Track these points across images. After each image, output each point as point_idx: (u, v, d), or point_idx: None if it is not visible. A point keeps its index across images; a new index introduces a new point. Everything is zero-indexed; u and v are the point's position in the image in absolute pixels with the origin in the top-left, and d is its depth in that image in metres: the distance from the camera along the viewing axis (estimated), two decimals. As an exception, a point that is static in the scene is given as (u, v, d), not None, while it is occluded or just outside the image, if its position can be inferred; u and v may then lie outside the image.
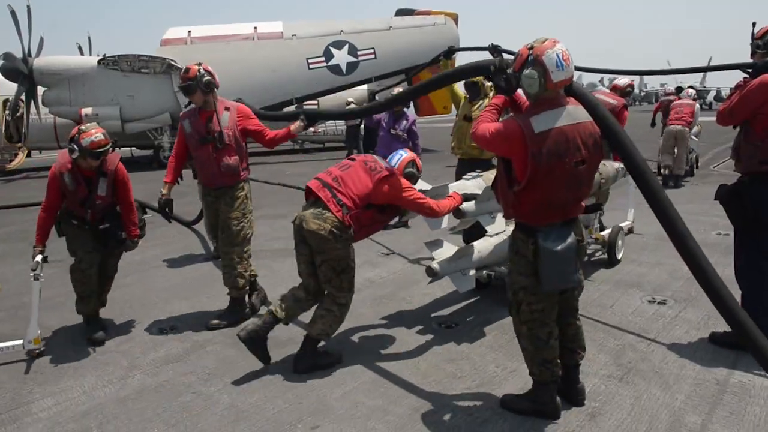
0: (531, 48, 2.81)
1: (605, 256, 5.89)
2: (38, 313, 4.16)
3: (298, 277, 3.96)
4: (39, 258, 4.17)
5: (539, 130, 2.77)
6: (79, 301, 4.53)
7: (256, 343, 3.74)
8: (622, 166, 5.45)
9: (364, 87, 21.67)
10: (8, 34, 17.99)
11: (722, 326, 4.16)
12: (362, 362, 3.90)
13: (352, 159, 4.01)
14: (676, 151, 10.64)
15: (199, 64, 4.57)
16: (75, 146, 4.14)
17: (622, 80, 6.81)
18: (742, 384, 3.43)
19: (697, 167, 12.19)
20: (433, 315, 4.69)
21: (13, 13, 17.14)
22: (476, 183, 4.46)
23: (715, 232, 6.84)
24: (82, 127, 4.21)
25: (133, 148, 21.72)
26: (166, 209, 4.68)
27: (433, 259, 4.20)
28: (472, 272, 4.37)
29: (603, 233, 5.86)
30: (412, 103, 21.76)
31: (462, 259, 4.24)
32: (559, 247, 2.86)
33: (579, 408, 3.21)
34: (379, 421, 3.17)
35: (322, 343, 3.90)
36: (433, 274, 4.10)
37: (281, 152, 20.12)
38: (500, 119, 3.06)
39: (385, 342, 4.22)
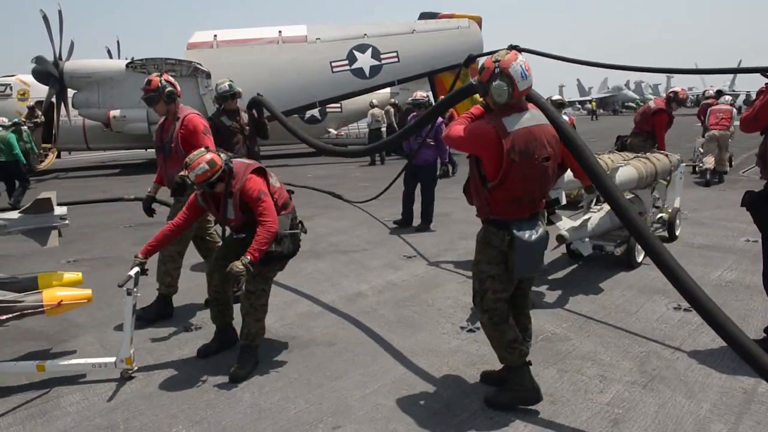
0: (496, 61, 3.03)
1: (665, 233, 6.75)
2: (132, 330, 3.84)
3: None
4: (134, 271, 3.77)
5: (511, 129, 2.99)
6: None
7: None
8: (678, 157, 6.88)
9: (387, 90, 21.72)
10: (41, 38, 18.43)
11: (750, 334, 4.08)
12: (383, 364, 3.91)
13: None
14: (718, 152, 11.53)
15: (161, 75, 4.70)
16: (188, 180, 3.81)
17: (677, 87, 7.89)
18: (771, 393, 3.36)
19: (731, 165, 12.68)
20: (454, 318, 4.69)
21: (45, 18, 17.56)
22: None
23: (743, 239, 6.72)
24: (188, 159, 3.76)
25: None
26: (149, 205, 5.02)
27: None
28: (587, 239, 5.39)
29: (664, 214, 6.77)
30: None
31: (582, 228, 5.24)
32: (533, 238, 3.11)
33: (602, 415, 3.19)
34: (400, 423, 3.18)
35: None
36: (563, 241, 5.06)
37: (304, 155, 20.27)
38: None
39: (405, 345, 4.23)
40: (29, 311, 3.62)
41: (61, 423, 3.32)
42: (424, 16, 21.76)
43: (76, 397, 3.60)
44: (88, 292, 3.87)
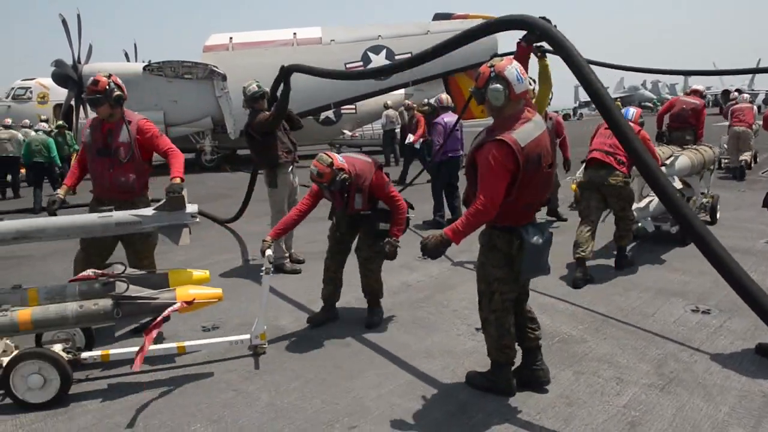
0: (492, 66, 3.09)
1: (707, 218, 7.53)
2: (266, 308, 4.18)
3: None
4: (269, 252, 4.22)
5: (524, 144, 3.02)
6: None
7: None
8: (718, 150, 8.23)
9: (402, 91, 21.72)
10: (59, 41, 18.71)
11: (770, 337, 4.05)
12: (399, 365, 3.93)
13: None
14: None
15: (109, 76, 4.48)
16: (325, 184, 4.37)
17: (700, 85, 8.15)
18: (791, 397, 3.32)
19: (755, 162, 13.21)
20: (470, 320, 4.68)
21: (64, 21, 17.82)
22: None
23: (763, 240, 6.63)
24: (320, 170, 4.28)
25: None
26: (53, 207, 4.48)
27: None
28: (650, 218, 6.26)
29: (707, 199, 7.60)
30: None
31: (646, 209, 6.23)
32: (541, 241, 3.18)
33: (619, 417, 3.17)
34: (416, 424, 3.20)
35: None
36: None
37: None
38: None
39: (421, 346, 4.24)
40: (163, 310, 3.65)
41: (81, 420, 3.38)
42: (438, 17, 21.75)
43: (95, 395, 3.66)
44: (218, 291, 3.94)
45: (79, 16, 17.98)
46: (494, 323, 3.35)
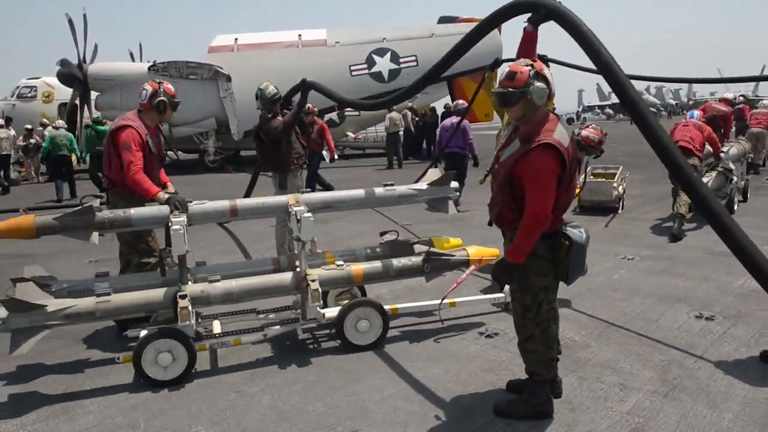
0: (529, 65, 2.99)
1: (740, 197, 9.23)
2: None
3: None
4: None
5: (566, 144, 2.96)
6: None
7: None
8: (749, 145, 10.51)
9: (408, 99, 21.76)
10: (65, 41, 18.78)
11: (775, 345, 4.03)
12: (402, 369, 3.92)
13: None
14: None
15: (160, 84, 4.71)
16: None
17: (730, 93, 8.86)
18: (796, 405, 3.30)
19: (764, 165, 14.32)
20: (474, 324, 4.67)
21: (70, 21, 17.89)
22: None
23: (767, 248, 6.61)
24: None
25: (179, 152, 22.27)
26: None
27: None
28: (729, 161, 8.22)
29: (742, 182, 9.40)
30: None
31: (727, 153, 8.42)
32: (584, 238, 3.08)
33: (622, 424, 3.16)
34: (418, 427, 3.18)
35: None
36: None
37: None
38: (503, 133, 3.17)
39: (424, 349, 4.23)
40: (457, 266, 4.55)
41: (83, 421, 3.37)
42: (443, 20, 21.79)
43: (98, 396, 3.66)
44: (496, 250, 4.55)
45: (85, 15, 18.07)
46: (540, 337, 3.14)
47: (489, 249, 4.65)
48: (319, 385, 3.71)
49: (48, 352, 4.35)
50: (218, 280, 4.04)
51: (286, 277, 4.21)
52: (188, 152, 21.14)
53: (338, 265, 4.31)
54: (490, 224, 3.34)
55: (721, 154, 8.26)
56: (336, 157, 11.86)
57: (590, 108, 72.51)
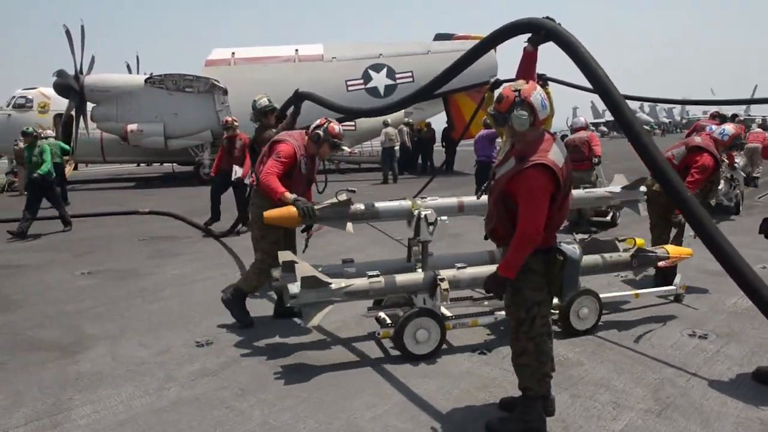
0: (517, 91, 3.02)
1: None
2: None
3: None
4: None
5: (561, 164, 3.02)
6: None
7: None
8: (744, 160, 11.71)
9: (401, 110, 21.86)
10: (62, 52, 18.80)
11: (767, 362, 4.03)
12: (394, 385, 3.89)
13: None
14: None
15: (329, 120, 4.97)
16: None
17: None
18: (789, 425, 3.30)
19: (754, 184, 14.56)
20: (466, 341, 4.66)
21: (68, 32, 17.92)
22: None
23: (759, 266, 6.63)
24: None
25: (175, 164, 22.30)
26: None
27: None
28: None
29: (740, 190, 10.37)
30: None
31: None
32: (577, 254, 3.17)
33: (615, 442, 3.14)
34: (410, 445, 3.16)
35: None
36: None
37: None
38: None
39: (416, 366, 4.21)
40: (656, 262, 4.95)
41: (71, 435, 3.33)
42: (439, 37, 21.97)
43: (87, 410, 3.61)
44: (690, 249, 5.09)
45: (83, 27, 18.09)
46: (533, 352, 3.17)
47: (684, 249, 5.17)
48: (310, 402, 3.68)
49: (37, 364, 4.30)
50: (465, 267, 4.57)
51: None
52: (183, 164, 21.11)
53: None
54: (486, 238, 3.41)
55: (735, 165, 9.48)
56: (246, 180, 8.91)
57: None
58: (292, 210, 4.50)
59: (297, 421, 3.44)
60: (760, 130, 15.24)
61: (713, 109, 13.04)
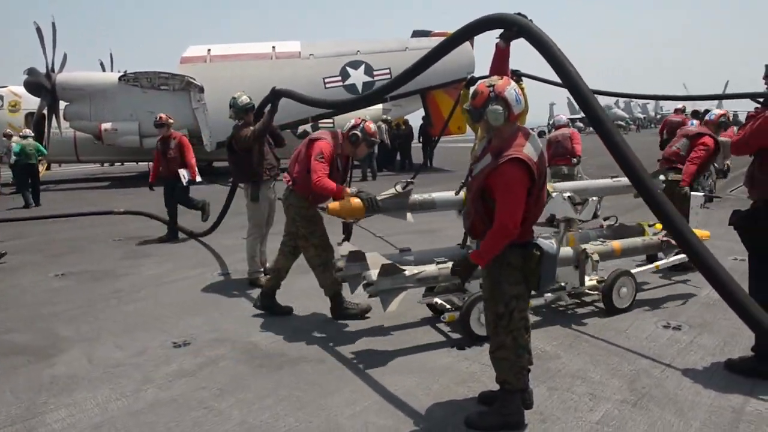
0: (491, 86, 3.06)
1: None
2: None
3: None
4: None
5: (536, 159, 3.05)
6: None
7: None
8: None
9: (380, 106, 21.84)
10: (33, 49, 18.42)
11: (738, 352, 4.12)
12: (373, 382, 3.89)
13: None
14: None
15: (364, 120, 5.06)
16: None
17: (681, 105, 8.28)
18: (759, 413, 3.38)
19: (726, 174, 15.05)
20: (444, 336, 4.68)
21: (38, 30, 17.56)
22: None
23: (731, 258, 6.77)
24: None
25: (150, 163, 21.94)
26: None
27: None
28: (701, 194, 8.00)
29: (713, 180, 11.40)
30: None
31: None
32: (554, 249, 3.22)
33: (592, 433, 3.19)
34: (390, 441, 3.16)
35: None
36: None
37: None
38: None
39: (396, 362, 4.21)
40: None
41: (45, 440, 3.27)
42: (416, 34, 21.97)
43: (62, 413, 3.55)
44: (707, 232, 5.56)
45: (54, 24, 17.75)
46: (511, 345, 3.20)
47: (703, 231, 5.46)
48: (290, 400, 3.66)
49: (11, 368, 4.22)
50: (604, 242, 5.24)
51: (569, 250, 4.94)
52: (160, 163, 20.81)
53: (602, 242, 5.30)
54: (465, 235, 3.43)
55: None
56: (198, 178, 9.05)
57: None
58: (356, 201, 4.59)
59: (277, 419, 3.42)
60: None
61: (687, 103, 13.39)
